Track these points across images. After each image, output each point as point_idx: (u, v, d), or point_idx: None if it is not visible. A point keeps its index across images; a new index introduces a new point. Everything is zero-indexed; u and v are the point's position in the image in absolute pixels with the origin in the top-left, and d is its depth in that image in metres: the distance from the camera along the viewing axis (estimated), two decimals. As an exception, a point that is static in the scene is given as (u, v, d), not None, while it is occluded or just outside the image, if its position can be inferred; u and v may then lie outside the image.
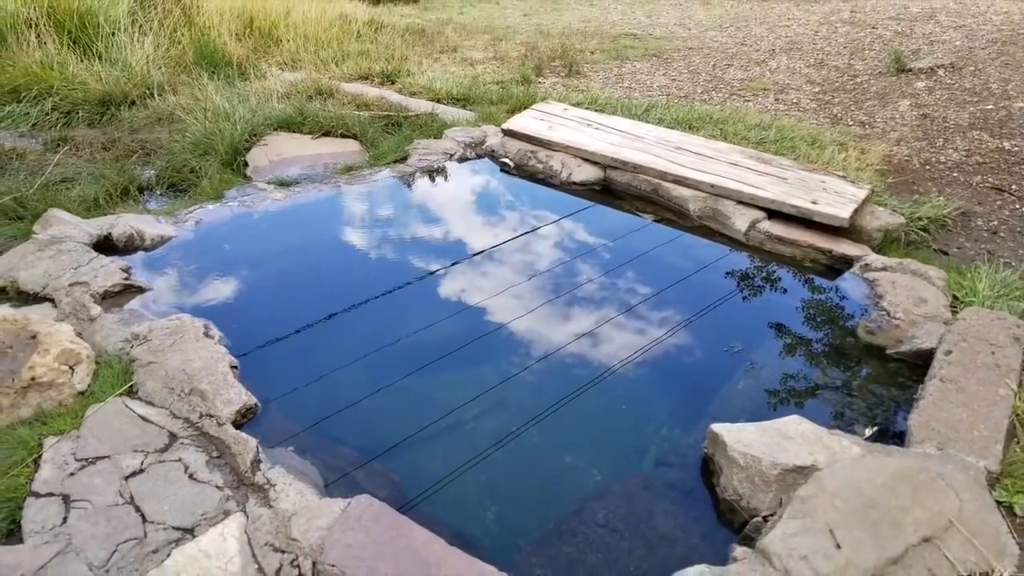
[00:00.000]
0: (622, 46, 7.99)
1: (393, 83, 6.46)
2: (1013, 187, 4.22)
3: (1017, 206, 4.03)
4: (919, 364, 2.66)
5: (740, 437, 2.15)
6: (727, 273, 3.49)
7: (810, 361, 2.85)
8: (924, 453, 2.13)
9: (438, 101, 5.88)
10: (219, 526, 1.92)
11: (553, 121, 4.89)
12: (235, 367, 2.57)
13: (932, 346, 2.66)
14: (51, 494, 2.02)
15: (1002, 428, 2.22)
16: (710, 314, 3.13)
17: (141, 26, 6.46)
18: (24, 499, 2.01)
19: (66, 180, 4.21)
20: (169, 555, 1.84)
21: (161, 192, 4.35)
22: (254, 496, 2.03)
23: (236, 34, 7.11)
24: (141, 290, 3.10)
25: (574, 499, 2.17)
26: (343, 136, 5.00)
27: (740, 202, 3.84)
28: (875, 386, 2.65)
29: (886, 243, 3.61)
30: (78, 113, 5.27)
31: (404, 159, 4.66)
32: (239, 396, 2.37)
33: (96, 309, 2.83)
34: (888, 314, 2.96)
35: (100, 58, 5.91)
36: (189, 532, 1.92)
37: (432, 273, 3.42)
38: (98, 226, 3.44)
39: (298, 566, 1.82)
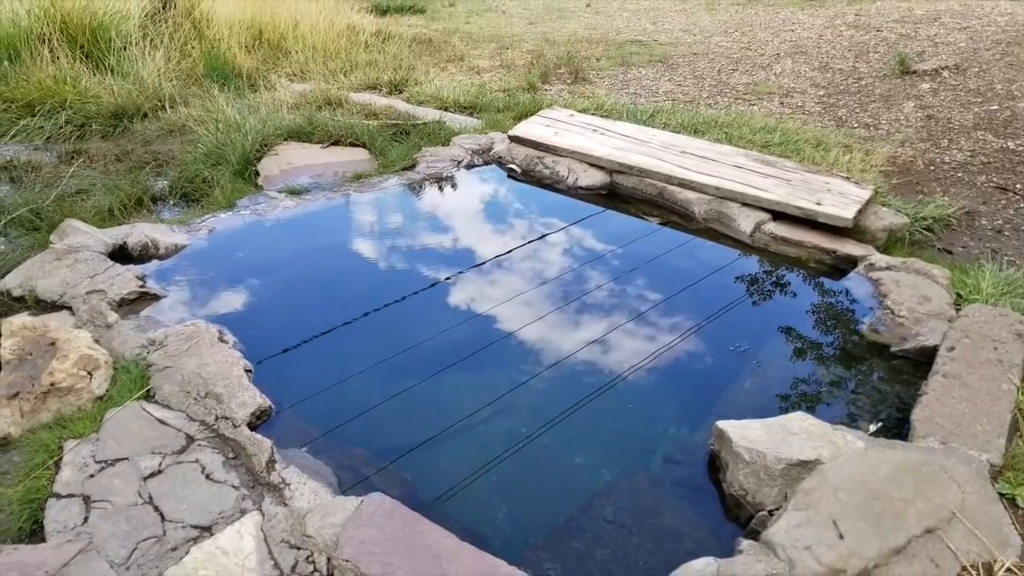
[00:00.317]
0: (627, 52, 8.04)
1: (401, 92, 6.53)
2: (1017, 186, 4.23)
3: (1021, 205, 4.04)
4: (923, 361, 2.68)
5: (745, 433, 2.19)
6: (733, 274, 3.52)
7: (815, 359, 2.88)
8: (927, 447, 2.16)
9: (445, 109, 5.94)
10: (236, 524, 1.97)
11: (559, 127, 4.94)
12: (249, 371, 2.63)
13: (936, 343, 2.68)
14: (72, 495, 2.07)
15: (1005, 422, 2.24)
16: (716, 315, 3.16)
17: (152, 40, 6.56)
18: (46, 500, 2.07)
19: (81, 191, 4.30)
20: (188, 552, 1.89)
21: (174, 202, 4.42)
22: (270, 495, 2.08)
23: (246, 46, 7.22)
24: (156, 297, 3.17)
25: (583, 497, 2.21)
26: (352, 145, 5.07)
27: (745, 204, 3.88)
28: (879, 383, 2.68)
29: (891, 243, 3.63)
30: (91, 126, 5.38)
31: (412, 166, 4.72)
32: (254, 398, 2.43)
33: (113, 316, 2.90)
34: (892, 312, 2.98)
35: (112, 72, 6.03)
36: (207, 530, 1.97)
37: (442, 279, 3.47)
38: (113, 236, 3.51)
39: (313, 562, 1.86)
